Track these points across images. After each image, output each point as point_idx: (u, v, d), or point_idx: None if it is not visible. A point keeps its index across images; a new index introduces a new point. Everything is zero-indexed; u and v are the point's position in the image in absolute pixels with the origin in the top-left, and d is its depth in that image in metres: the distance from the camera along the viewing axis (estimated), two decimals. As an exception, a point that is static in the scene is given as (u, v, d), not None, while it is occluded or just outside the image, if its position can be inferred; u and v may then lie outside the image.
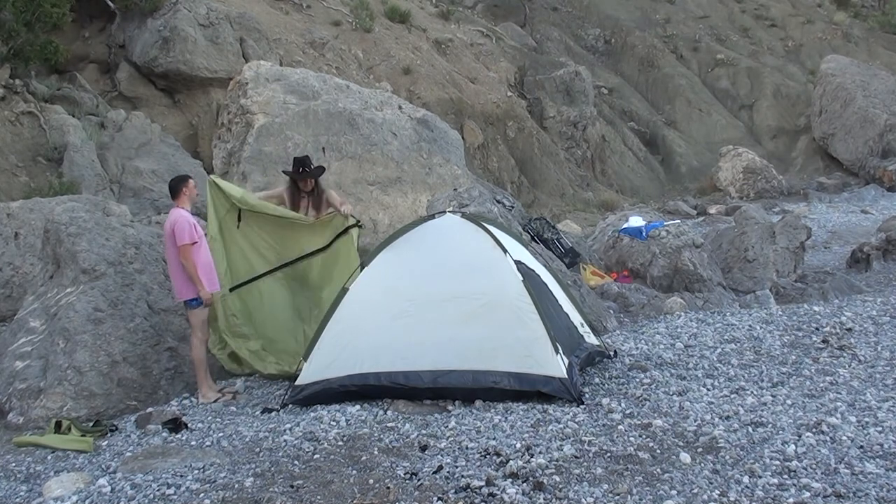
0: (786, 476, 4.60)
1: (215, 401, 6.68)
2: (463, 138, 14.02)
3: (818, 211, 18.89)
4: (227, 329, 7.18)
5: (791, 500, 4.31)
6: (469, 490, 4.50)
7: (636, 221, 11.91)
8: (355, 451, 5.22)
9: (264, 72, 10.93)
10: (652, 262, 11.22)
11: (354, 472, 4.87)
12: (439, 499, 4.43)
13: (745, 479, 4.57)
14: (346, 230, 7.34)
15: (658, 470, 4.74)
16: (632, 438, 5.23)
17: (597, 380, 6.70)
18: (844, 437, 5.10)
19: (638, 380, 6.61)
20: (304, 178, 7.46)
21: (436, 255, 6.57)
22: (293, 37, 18.77)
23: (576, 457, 4.94)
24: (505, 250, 6.42)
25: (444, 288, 6.27)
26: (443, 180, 11.23)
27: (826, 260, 13.83)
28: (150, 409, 6.48)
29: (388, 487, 4.58)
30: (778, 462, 4.78)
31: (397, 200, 10.29)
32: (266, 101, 10.47)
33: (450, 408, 6.10)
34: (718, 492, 4.43)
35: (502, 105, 21.36)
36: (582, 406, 5.93)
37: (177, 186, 6.90)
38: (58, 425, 6.03)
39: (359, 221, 7.48)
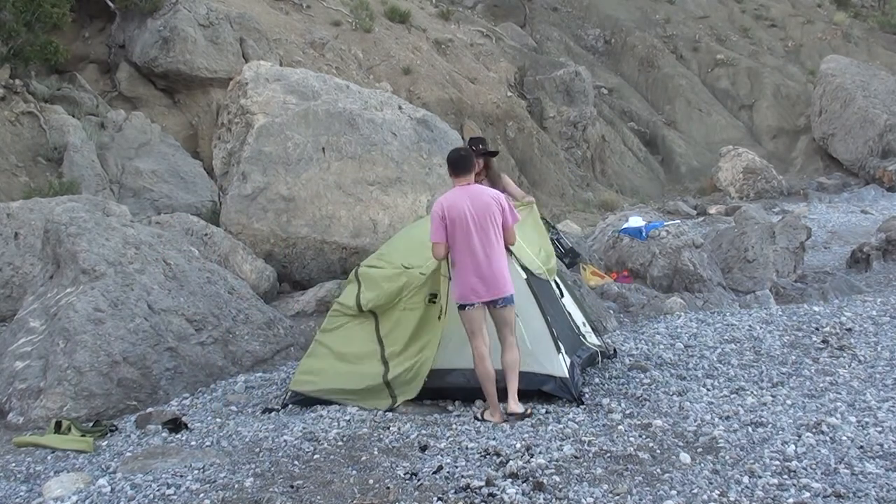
0: (786, 476, 4.60)
1: None
2: (463, 138, 13.99)
3: (818, 211, 18.87)
4: None
5: (791, 500, 4.31)
6: (469, 490, 4.50)
7: (636, 221, 11.88)
8: (355, 451, 5.22)
9: (264, 72, 10.89)
10: (652, 262, 11.21)
11: (354, 472, 4.87)
12: (439, 499, 4.43)
13: (745, 480, 4.57)
14: None
15: (658, 470, 4.74)
16: (632, 438, 5.23)
17: (597, 380, 6.70)
18: (844, 438, 5.10)
19: (638, 380, 6.61)
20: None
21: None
22: (293, 37, 18.75)
23: (576, 457, 4.94)
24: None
25: (444, 288, 6.26)
26: (443, 180, 11.18)
27: (826, 260, 13.82)
28: (150, 409, 6.47)
29: (388, 487, 4.58)
30: (778, 462, 4.78)
31: (397, 200, 10.24)
32: (266, 101, 10.43)
33: (450, 408, 6.11)
34: (718, 492, 4.43)
35: (502, 105, 21.34)
36: (582, 406, 5.94)
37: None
38: (58, 425, 6.02)
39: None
